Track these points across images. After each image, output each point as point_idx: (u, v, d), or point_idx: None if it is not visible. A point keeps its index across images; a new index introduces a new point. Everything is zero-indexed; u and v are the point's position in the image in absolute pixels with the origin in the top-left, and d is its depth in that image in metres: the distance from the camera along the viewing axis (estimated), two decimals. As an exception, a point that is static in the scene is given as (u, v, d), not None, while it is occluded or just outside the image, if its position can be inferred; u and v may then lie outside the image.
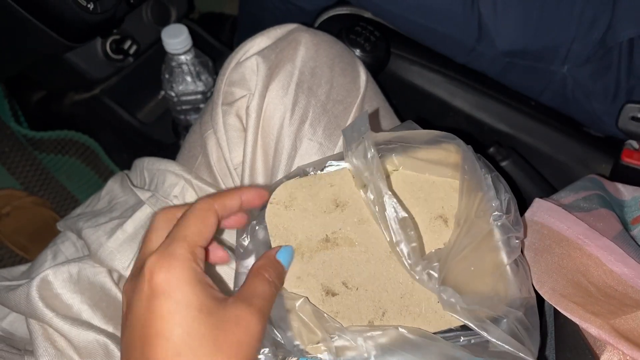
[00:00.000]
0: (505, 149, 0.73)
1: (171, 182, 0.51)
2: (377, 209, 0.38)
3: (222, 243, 0.48)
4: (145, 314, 0.30)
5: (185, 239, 0.32)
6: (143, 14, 0.93)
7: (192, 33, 0.83)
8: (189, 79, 0.87)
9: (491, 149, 0.73)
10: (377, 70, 0.77)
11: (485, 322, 0.34)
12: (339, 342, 0.35)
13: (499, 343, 0.34)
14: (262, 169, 0.48)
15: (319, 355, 0.35)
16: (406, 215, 0.37)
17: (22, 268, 0.59)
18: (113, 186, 0.58)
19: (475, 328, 0.34)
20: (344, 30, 0.75)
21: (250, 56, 0.50)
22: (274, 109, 0.48)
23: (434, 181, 0.42)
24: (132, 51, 0.90)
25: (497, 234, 0.38)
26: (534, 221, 0.46)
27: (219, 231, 0.37)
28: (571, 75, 0.74)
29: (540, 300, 0.39)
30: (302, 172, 0.42)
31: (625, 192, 0.51)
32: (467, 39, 0.73)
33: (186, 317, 0.30)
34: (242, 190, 0.38)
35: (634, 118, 0.62)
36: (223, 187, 0.51)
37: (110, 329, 0.47)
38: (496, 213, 0.37)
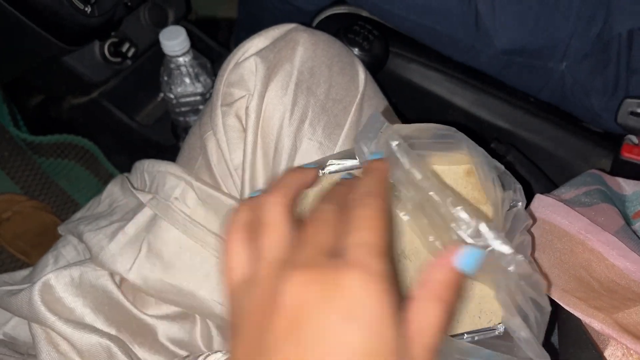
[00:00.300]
0: (504, 146, 0.73)
1: (172, 184, 0.51)
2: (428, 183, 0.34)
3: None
4: None
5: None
6: (141, 16, 0.93)
7: (190, 35, 0.83)
8: (187, 80, 0.87)
9: (491, 146, 0.73)
10: (376, 69, 0.77)
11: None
12: None
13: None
14: (262, 169, 0.48)
15: None
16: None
17: (24, 272, 0.59)
18: (113, 189, 0.58)
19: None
20: (342, 30, 0.75)
21: (248, 57, 0.50)
22: (273, 109, 0.48)
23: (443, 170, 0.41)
24: (130, 54, 0.90)
25: None
26: (535, 217, 0.46)
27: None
28: (570, 72, 0.74)
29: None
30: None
31: (627, 186, 0.51)
32: (465, 38, 0.73)
33: None
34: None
35: (633, 113, 0.62)
36: (224, 188, 0.51)
37: (112, 331, 0.47)
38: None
